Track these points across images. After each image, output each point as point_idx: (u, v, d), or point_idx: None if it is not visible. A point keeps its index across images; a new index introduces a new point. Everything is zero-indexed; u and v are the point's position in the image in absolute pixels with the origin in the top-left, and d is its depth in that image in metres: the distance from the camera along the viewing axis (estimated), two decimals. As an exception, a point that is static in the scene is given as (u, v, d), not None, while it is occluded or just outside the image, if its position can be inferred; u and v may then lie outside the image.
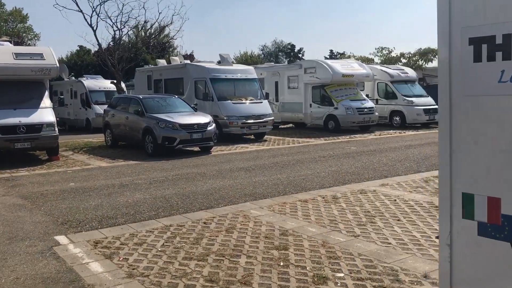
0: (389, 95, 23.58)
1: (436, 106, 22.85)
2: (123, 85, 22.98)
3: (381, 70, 24.09)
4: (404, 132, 20.50)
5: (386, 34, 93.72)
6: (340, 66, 21.75)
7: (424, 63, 29.36)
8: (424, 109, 22.60)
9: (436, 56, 22.43)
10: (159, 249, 5.87)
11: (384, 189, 8.95)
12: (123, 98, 17.65)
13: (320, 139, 18.48)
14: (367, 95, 22.75)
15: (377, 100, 22.98)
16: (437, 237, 6.59)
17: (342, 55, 46.38)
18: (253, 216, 7.32)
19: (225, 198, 8.60)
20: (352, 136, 19.31)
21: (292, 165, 12.13)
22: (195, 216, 7.44)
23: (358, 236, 6.20)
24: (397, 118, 23.16)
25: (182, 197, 8.78)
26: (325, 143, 17.05)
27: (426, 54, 29.44)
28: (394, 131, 21.17)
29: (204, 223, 7.01)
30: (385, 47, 30.85)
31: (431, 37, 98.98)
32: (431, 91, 24.24)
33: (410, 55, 30.22)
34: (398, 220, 6.88)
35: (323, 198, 8.38)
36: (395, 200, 8.04)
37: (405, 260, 5.28)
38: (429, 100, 23.27)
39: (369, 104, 21.53)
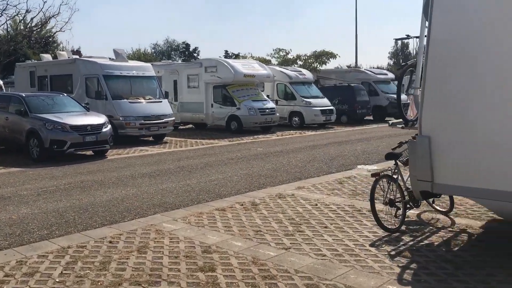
0: (288, 96, 23.70)
1: (331, 107, 23.70)
2: (0, 82, 20.38)
3: (280, 71, 24.14)
4: (305, 133, 20.65)
5: (282, 36, 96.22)
6: (241, 66, 21.32)
7: (318, 65, 30.17)
8: (321, 110, 23.04)
9: (330, 58, 22.61)
10: (57, 280, 4.77)
11: (302, 193, 8.55)
12: (2, 96, 15.47)
13: (224, 140, 17.86)
14: (267, 96, 22.62)
15: (277, 101, 22.94)
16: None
17: (237, 56, 46.36)
18: (167, 230, 6.42)
19: (131, 210, 7.57)
20: (255, 136, 18.96)
21: (201, 169, 11.33)
22: (97, 233, 6.35)
23: (289, 248, 5.63)
24: (296, 119, 23.34)
25: (79, 210, 7.58)
26: (230, 145, 16.46)
27: (320, 56, 30.31)
28: (295, 131, 21.25)
29: (110, 242, 5.98)
30: (282, 49, 31.30)
31: (326, 40, 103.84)
32: (326, 92, 24.88)
33: (306, 57, 30.91)
34: (326, 227, 6.44)
35: (242, 205, 7.72)
36: (316, 205, 7.64)
37: (346, 275, 4.80)
38: (325, 101, 23.79)
39: (271, 104, 21.38)
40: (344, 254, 5.41)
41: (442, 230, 6.21)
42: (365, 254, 5.38)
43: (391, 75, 29.59)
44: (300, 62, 30.90)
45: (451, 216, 6.81)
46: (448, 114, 5.05)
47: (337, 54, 33.71)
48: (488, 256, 5.19)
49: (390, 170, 6.49)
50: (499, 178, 4.72)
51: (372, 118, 27.36)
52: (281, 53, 31.65)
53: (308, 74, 25.08)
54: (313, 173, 10.54)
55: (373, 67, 41.85)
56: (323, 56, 30.34)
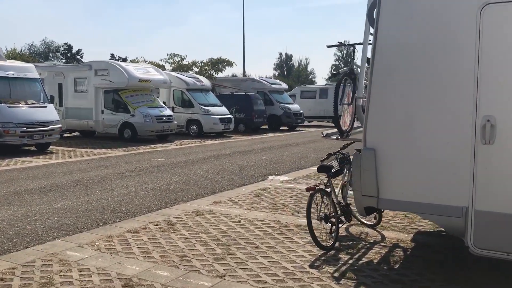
0: (186, 104, 22.89)
1: (230, 116, 23.37)
2: None
3: (177, 77, 23.24)
4: (204, 141, 20.01)
5: (174, 41, 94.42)
6: (135, 70, 20.05)
7: (214, 72, 29.74)
8: (220, 118, 22.59)
9: (227, 66, 22.34)
10: None
11: (220, 208, 7.91)
12: None
13: (119, 150, 16.53)
14: (164, 103, 21.60)
15: (173, 108, 22.00)
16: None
17: (124, 60, 44.25)
18: (73, 260, 5.39)
19: (23, 236, 6.33)
20: (152, 146, 17.87)
21: (99, 183, 10.14)
22: (-18, 269, 5.12)
23: (224, 276, 4.96)
24: (194, 127, 22.61)
25: (-47, 238, 6.16)
26: (127, 155, 15.22)
27: (217, 64, 29.91)
28: (194, 140, 20.51)
29: (2, 279, 4.82)
30: (177, 54, 30.27)
31: (217, 48, 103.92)
32: (223, 100, 24.50)
33: (202, 63, 30.27)
34: (257, 247, 5.89)
35: (157, 225, 6.87)
36: (240, 221, 7.06)
37: (297, 306, 4.28)
38: (224, 109, 23.40)
39: (168, 112, 20.41)
40: (286, 279, 4.89)
41: (375, 246, 5.99)
42: (308, 278, 4.92)
43: (284, 85, 30.18)
44: (196, 69, 30.21)
45: (379, 230, 6.66)
46: (394, 125, 4.81)
47: (233, 62, 33.65)
48: (431, 273, 5.02)
49: (323, 184, 6.14)
50: (446, 193, 4.55)
51: (267, 127, 27.58)
52: (176, 59, 30.67)
53: (205, 81, 24.51)
54: (226, 186, 9.95)
55: (261, 77, 42.55)
56: (219, 63, 29.98)
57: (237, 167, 12.50)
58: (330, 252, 5.71)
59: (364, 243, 6.12)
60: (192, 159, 14.16)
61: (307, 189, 5.92)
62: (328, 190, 6.06)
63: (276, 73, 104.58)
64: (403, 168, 4.76)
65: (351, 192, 5.97)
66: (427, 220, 6.31)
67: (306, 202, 5.83)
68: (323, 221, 5.87)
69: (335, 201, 6.09)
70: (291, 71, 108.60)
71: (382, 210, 6.60)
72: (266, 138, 22.25)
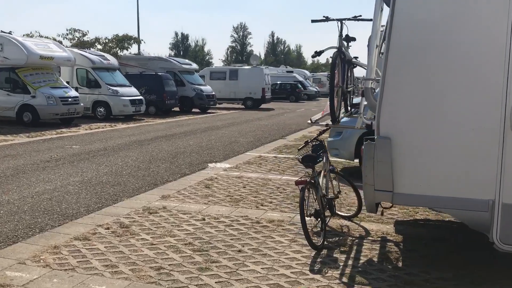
0: (92, 84, 20.88)
1: (141, 97, 21.80)
2: None
3: (81, 54, 21.05)
4: (115, 125, 18.39)
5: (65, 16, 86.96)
6: (35, 46, 17.73)
7: (119, 50, 27.60)
8: (130, 100, 20.98)
9: (134, 44, 20.79)
10: None
11: (173, 204, 6.96)
12: None
13: (21, 136, 14.48)
14: (67, 83, 19.49)
15: (77, 88, 19.97)
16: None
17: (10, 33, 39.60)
18: (19, 285, 4.21)
19: None
20: (58, 131, 15.96)
21: (13, 178, 8.57)
22: None
23: (220, 291, 4.16)
24: (102, 110, 20.76)
25: None
26: (33, 142, 13.34)
27: (123, 41, 27.76)
28: (103, 124, 18.74)
29: None
30: (78, 29, 27.42)
31: (129, 23, 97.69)
32: (131, 80, 22.77)
33: (106, 40, 27.88)
34: (240, 251, 5.13)
35: (108, 229, 5.77)
36: (204, 219, 6.21)
37: (325, 324, 3.63)
38: (134, 90, 21.78)
39: (73, 93, 18.43)
40: (293, 289, 4.22)
41: (364, 241, 5.53)
42: (318, 287, 4.29)
43: (195, 66, 29.04)
44: (99, 46, 27.79)
45: (356, 221, 6.23)
46: (413, 110, 4.29)
47: (142, 40, 31.55)
48: (438, 271, 4.66)
49: (308, 176, 5.52)
50: (470, 185, 4.17)
51: (178, 110, 26.35)
52: (76, 34, 27.90)
53: (112, 60, 22.59)
54: (167, 176, 8.94)
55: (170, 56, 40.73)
56: (125, 40, 27.88)
57: (168, 154, 11.44)
58: (323, 252, 5.14)
59: (350, 238, 5.64)
60: (112, 145, 12.76)
61: (297, 183, 5.26)
62: (315, 183, 5.46)
63: (172, 53, 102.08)
64: (423, 158, 4.28)
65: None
66: (446, 214, 5.99)
67: (297, 198, 5.19)
68: (312, 217, 5.28)
69: (320, 194, 5.52)
70: (187, 51, 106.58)
71: (359, 199, 6.16)
72: (182, 121, 21.12)
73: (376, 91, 4.75)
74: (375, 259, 4.98)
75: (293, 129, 17.93)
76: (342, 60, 5.62)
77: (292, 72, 51.69)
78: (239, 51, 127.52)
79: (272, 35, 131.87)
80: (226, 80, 31.48)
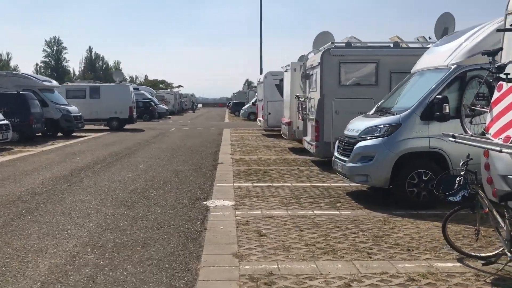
0: None
1: (6, 122, 17.59)
2: None
3: None
4: (-12, 159, 14.39)
5: None
6: None
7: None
8: (-8, 126, 16.80)
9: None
10: None
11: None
12: None
13: None
14: None
15: None
16: None
17: None
18: None
19: None
20: None
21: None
22: None
23: None
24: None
25: None
26: None
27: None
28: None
29: None
30: None
31: None
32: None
33: None
34: None
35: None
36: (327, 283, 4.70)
37: None
38: (-6, 113, 17.55)
39: None
40: None
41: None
42: None
43: (55, 83, 25.01)
44: None
45: None
46: None
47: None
48: None
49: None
50: None
51: (41, 134, 22.20)
52: None
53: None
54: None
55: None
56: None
57: (138, 196, 9.08)
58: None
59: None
60: (27, 187, 9.69)
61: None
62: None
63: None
64: None
65: None
66: None
67: None
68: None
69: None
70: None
71: None
72: (68, 148, 17.66)
73: None
74: None
75: (209, 151, 16.38)
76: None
77: (137, 89, 48.92)
78: (53, 67, 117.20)
79: (90, 50, 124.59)
80: (86, 98, 27.90)
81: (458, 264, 5.28)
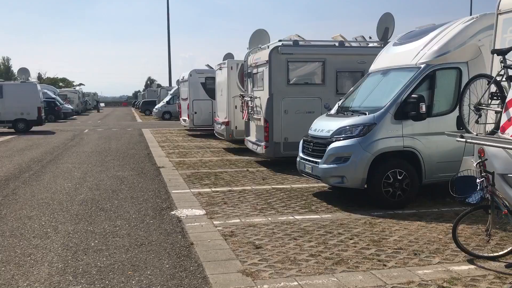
0: None
1: None
2: None
3: None
4: None
5: None
6: None
7: None
8: None
9: None
10: None
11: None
12: None
13: None
14: None
15: None
16: None
17: None
18: None
19: None
20: None
21: None
22: None
23: None
24: None
25: None
26: None
27: None
28: None
29: None
30: None
31: None
32: None
33: None
34: None
35: None
36: (382, 299, 4.40)
37: None
38: None
39: None
40: None
41: None
42: None
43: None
44: None
45: None
46: None
47: None
48: None
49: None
50: None
51: None
52: None
53: None
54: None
55: None
56: None
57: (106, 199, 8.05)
58: None
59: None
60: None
61: None
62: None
63: None
64: None
65: None
66: None
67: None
68: None
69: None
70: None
71: None
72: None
73: None
74: None
75: (141, 154, 15.36)
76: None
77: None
78: None
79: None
80: (-13, 98, 25.05)
81: (473, 266, 5.22)
